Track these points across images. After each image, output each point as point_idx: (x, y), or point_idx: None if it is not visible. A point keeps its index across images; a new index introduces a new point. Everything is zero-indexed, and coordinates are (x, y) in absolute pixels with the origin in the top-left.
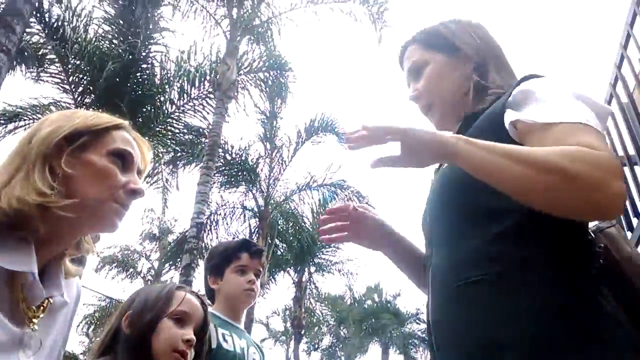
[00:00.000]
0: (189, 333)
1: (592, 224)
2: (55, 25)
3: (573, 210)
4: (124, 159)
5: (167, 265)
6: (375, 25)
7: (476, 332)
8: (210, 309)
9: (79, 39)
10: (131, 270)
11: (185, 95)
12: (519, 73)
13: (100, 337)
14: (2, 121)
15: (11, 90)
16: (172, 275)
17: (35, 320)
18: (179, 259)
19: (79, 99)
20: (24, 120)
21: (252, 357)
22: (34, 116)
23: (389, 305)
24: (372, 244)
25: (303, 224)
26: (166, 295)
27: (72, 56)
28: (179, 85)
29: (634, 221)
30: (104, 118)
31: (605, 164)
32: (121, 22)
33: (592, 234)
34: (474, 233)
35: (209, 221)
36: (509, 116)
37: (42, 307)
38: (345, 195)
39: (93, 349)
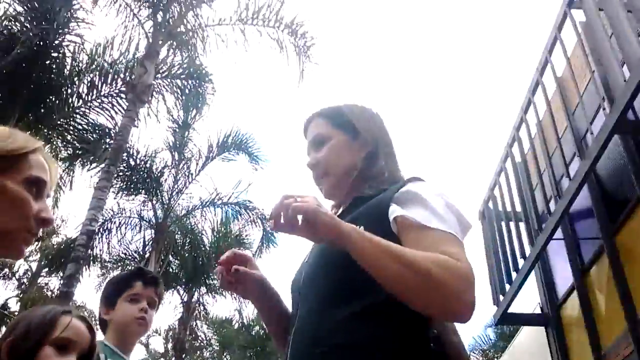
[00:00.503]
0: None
1: None
2: None
3: (431, 310)
4: (38, 186)
5: (45, 270)
6: (300, 57)
7: None
8: (101, 339)
9: None
10: (6, 270)
11: (95, 91)
12: (406, 159)
13: None
14: None
15: None
16: (50, 281)
17: None
18: (59, 267)
19: None
20: None
21: None
22: None
23: None
24: (253, 299)
25: (201, 241)
26: (50, 320)
27: None
28: (89, 79)
29: (513, 275)
30: (21, 141)
31: (464, 276)
32: (36, 4)
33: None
34: (338, 306)
35: (101, 229)
36: (394, 210)
37: None
38: (249, 216)
39: None
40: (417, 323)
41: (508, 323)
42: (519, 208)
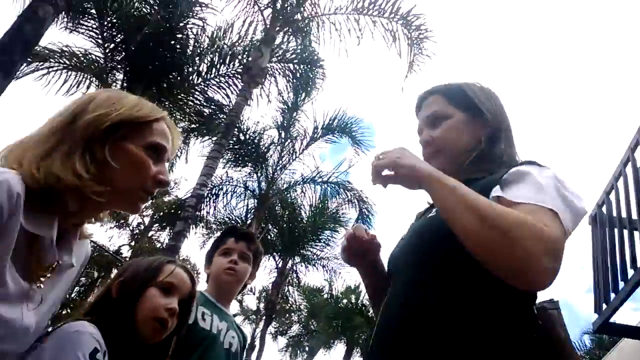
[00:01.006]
0: (173, 303)
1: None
2: None
3: (504, 269)
4: (158, 151)
5: (156, 225)
6: (411, 49)
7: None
8: (200, 289)
9: None
10: (122, 221)
11: (213, 70)
12: (524, 144)
13: (91, 299)
14: (29, 59)
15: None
16: (160, 235)
17: (42, 279)
18: (169, 224)
19: (109, 54)
20: (50, 62)
21: (228, 340)
22: (60, 60)
23: (363, 308)
24: (361, 267)
25: (299, 215)
26: (156, 266)
27: (111, 12)
28: (209, 59)
29: (620, 285)
30: (147, 109)
31: (547, 238)
32: None
33: (535, 309)
34: (428, 280)
35: (209, 194)
36: (495, 190)
37: (51, 268)
38: (347, 196)
39: (83, 307)
40: (516, 307)
41: (608, 333)
42: (635, 216)
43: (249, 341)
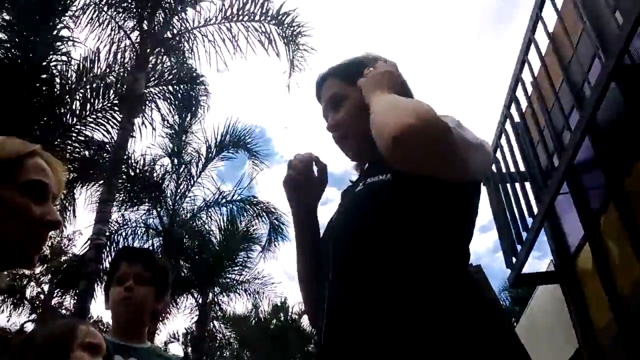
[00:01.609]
0: None
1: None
2: None
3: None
4: (37, 190)
5: (57, 290)
6: (289, 47)
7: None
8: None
9: None
10: (18, 296)
11: (88, 106)
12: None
13: None
14: None
15: None
16: (65, 300)
17: None
18: (72, 285)
19: None
20: None
21: None
22: None
23: (294, 324)
24: (300, 208)
25: (210, 242)
26: (70, 328)
27: None
28: (81, 96)
29: (524, 235)
30: (15, 146)
31: (414, 112)
32: (17, 29)
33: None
34: (371, 258)
35: (108, 242)
36: None
37: None
38: (255, 211)
39: None
40: (452, 273)
41: (523, 284)
42: (522, 168)
43: None
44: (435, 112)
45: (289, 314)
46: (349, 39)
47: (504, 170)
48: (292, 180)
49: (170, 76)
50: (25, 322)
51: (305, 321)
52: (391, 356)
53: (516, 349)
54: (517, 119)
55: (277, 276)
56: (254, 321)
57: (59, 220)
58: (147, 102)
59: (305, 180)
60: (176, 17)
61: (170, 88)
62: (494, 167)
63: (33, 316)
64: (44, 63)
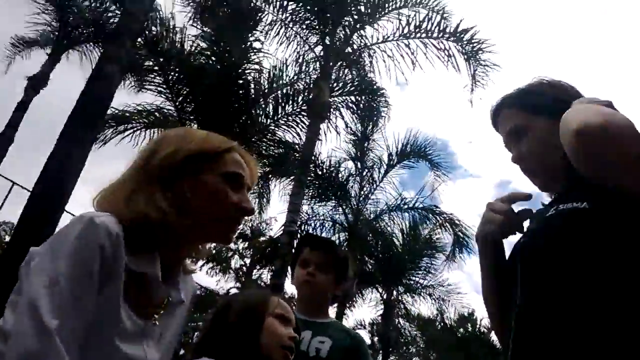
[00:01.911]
0: (292, 332)
1: None
2: (154, 40)
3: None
4: (235, 180)
5: (257, 265)
6: (469, 62)
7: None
8: None
9: (176, 53)
10: (224, 264)
11: (279, 109)
12: None
13: (198, 338)
14: (113, 124)
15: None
16: (263, 274)
17: (156, 316)
18: (268, 263)
19: (179, 106)
20: (132, 123)
21: (314, 346)
22: (140, 120)
23: (482, 336)
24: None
25: (393, 243)
26: (263, 298)
27: (172, 68)
28: (273, 100)
29: None
30: (216, 141)
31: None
32: (216, 40)
33: None
34: (566, 290)
35: (299, 230)
36: None
37: (162, 304)
38: (437, 220)
39: (191, 347)
40: None
41: None
42: None
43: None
44: (628, 120)
45: (477, 325)
46: (532, 54)
47: None
48: (494, 224)
49: (352, 87)
50: (230, 288)
51: (494, 336)
52: None
53: None
54: None
55: (463, 287)
56: (439, 325)
57: (252, 208)
58: (332, 110)
59: (513, 228)
60: (356, 34)
61: (353, 98)
62: None
63: (237, 284)
64: (240, 70)
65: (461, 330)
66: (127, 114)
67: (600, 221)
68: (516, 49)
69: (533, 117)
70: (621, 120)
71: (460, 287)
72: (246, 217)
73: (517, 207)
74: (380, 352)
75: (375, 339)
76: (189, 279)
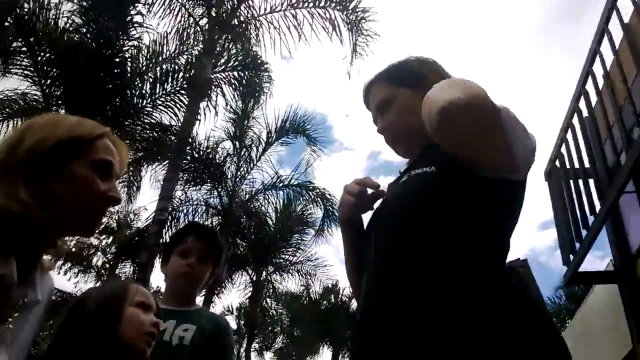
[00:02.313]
0: (154, 318)
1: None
2: (25, 18)
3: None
4: (104, 169)
5: (121, 261)
6: (352, 33)
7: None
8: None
9: (49, 31)
10: (85, 264)
11: (158, 88)
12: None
13: (53, 334)
14: None
15: None
16: (127, 271)
17: (9, 319)
18: (135, 257)
19: (47, 90)
20: None
21: (178, 335)
22: (3, 111)
23: (343, 305)
24: (352, 226)
25: (266, 223)
26: (121, 287)
27: (43, 49)
28: (151, 78)
29: (583, 233)
30: (87, 127)
31: (443, 86)
32: (93, 15)
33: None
34: (411, 246)
35: (170, 217)
36: None
37: (17, 306)
38: (310, 196)
39: (42, 349)
40: (490, 268)
41: (579, 282)
42: (587, 164)
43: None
44: (486, 93)
45: (340, 296)
46: (409, 26)
47: (567, 165)
48: (351, 208)
49: (236, 62)
50: (90, 289)
51: (355, 304)
52: (417, 348)
53: (547, 342)
54: (585, 113)
55: (330, 260)
56: (305, 301)
57: (120, 197)
58: (213, 87)
59: (363, 206)
60: (244, 4)
61: (236, 74)
62: (557, 162)
63: (98, 283)
64: (117, 48)
65: (324, 302)
66: None
67: (442, 183)
68: (397, 21)
69: (398, 88)
70: (481, 97)
71: (327, 260)
72: (112, 209)
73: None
74: (245, 336)
75: (242, 322)
76: (46, 277)
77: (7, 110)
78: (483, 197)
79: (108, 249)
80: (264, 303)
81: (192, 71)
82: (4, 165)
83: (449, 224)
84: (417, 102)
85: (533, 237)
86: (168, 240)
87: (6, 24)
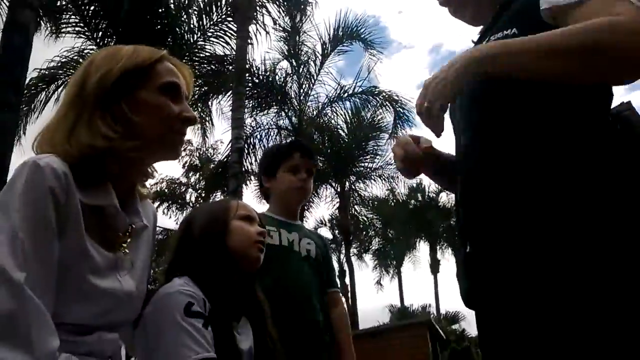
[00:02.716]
0: (259, 228)
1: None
2: None
3: (614, 81)
4: (172, 90)
5: (212, 193)
6: None
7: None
8: (262, 211)
9: None
10: (180, 201)
11: (204, 20)
12: None
13: (167, 259)
14: (44, 86)
15: (37, 53)
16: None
17: (124, 245)
18: (223, 186)
19: (100, 43)
20: (61, 78)
21: (304, 247)
22: (67, 73)
23: (432, 202)
24: (426, 171)
25: (339, 135)
26: (224, 205)
27: (86, 2)
28: (196, 11)
29: None
30: (145, 53)
31: (629, 29)
32: None
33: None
34: (496, 125)
35: (246, 145)
36: (543, 2)
37: (127, 233)
38: (377, 101)
39: (163, 270)
40: (591, 115)
41: None
42: None
43: (337, 267)
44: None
45: (427, 193)
46: None
47: None
48: (404, 170)
49: None
50: (195, 208)
51: (443, 198)
52: (524, 207)
53: None
54: None
55: None
56: (393, 203)
57: (194, 116)
58: (258, 8)
59: (415, 161)
60: None
61: None
62: None
63: None
64: None
65: (412, 202)
66: (53, 70)
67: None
68: None
69: None
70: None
71: None
72: (192, 147)
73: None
74: (342, 243)
75: (336, 231)
76: (147, 204)
77: (72, 70)
78: None
79: (197, 185)
80: (353, 211)
81: None
82: (77, 103)
83: (536, 89)
84: None
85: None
86: (271, 155)
87: None
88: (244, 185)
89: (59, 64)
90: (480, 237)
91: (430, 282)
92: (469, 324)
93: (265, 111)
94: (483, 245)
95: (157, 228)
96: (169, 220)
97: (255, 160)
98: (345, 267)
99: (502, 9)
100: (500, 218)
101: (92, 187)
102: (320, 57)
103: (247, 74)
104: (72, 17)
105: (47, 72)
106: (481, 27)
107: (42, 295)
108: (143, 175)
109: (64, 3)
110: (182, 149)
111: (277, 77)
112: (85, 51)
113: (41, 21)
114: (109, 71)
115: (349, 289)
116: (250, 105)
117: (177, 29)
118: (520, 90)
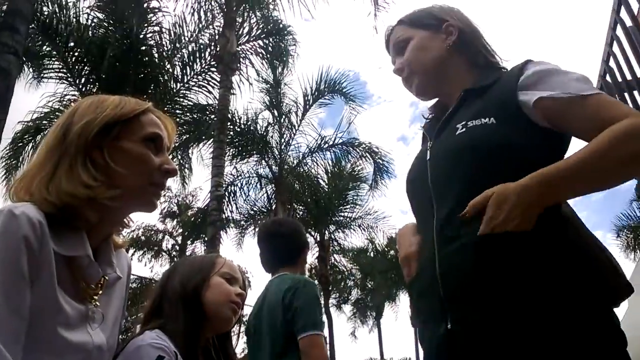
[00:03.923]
0: (239, 290)
1: None
2: (46, 20)
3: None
4: (155, 141)
5: (189, 240)
6: None
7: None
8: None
9: (73, 31)
10: (156, 248)
11: (188, 69)
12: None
13: (146, 308)
14: (30, 138)
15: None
16: (196, 247)
17: (95, 297)
18: (201, 234)
19: (83, 89)
20: (47, 129)
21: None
22: (53, 122)
23: None
24: None
25: (319, 184)
26: (210, 260)
27: (70, 48)
28: (180, 61)
29: None
30: (131, 105)
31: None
32: (112, 7)
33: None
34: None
35: (226, 193)
36: (528, 98)
37: (99, 285)
38: (358, 152)
39: (140, 319)
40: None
41: None
42: (639, 74)
43: None
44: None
45: None
46: None
47: (619, 79)
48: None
49: (259, 31)
50: (183, 258)
51: None
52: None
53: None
54: (628, 22)
55: (388, 211)
56: (372, 253)
57: (175, 168)
58: (241, 60)
59: None
60: None
61: (260, 42)
62: (608, 78)
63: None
64: (141, 36)
65: (392, 252)
66: (37, 122)
67: (506, 135)
68: None
69: (416, 30)
70: None
71: (386, 211)
72: (171, 194)
73: None
74: (322, 292)
75: (316, 280)
76: (121, 254)
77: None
78: (547, 148)
79: (175, 232)
80: (333, 260)
81: (218, 47)
82: (58, 150)
83: (519, 175)
84: (433, 41)
85: None
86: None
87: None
88: (222, 233)
89: (42, 115)
90: (473, 316)
91: (410, 335)
92: None
93: (246, 159)
94: (476, 325)
95: (132, 276)
96: (144, 267)
97: (236, 208)
98: (324, 319)
99: (468, 94)
100: (501, 299)
101: (66, 236)
102: (302, 108)
103: (229, 123)
104: (55, 62)
105: (31, 124)
106: (432, 101)
107: (13, 347)
108: (119, 225)
109: (48, 49)
110: (160, 198)
111: (258, 126)
112: (67, 97)
113: (24, 66)
114: (94, 120)
115: (328, 340)
116: (231, 153)
117: (161, 77)
118: (504, 168)
